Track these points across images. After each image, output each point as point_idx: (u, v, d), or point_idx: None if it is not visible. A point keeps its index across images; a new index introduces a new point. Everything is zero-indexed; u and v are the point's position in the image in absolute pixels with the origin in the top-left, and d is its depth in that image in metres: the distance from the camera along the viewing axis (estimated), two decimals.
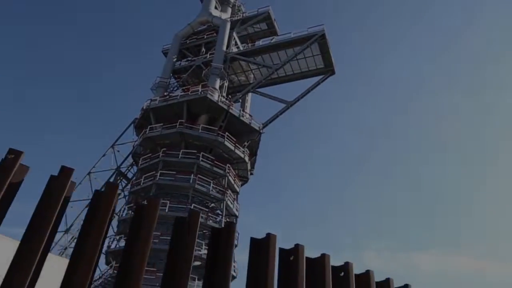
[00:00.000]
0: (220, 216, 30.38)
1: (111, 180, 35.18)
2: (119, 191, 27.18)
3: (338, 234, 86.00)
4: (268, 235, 2.53)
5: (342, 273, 2.72)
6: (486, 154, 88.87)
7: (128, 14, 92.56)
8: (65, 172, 2.30)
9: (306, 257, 2.60)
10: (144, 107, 33.45)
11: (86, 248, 2.15)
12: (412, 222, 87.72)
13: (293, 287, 2.46)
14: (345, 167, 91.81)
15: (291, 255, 2.60)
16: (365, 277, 2.83)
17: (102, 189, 2.47)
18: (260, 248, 2.50)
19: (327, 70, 36.78)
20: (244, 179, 34.99)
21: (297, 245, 2.59)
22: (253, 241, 2.52)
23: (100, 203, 2.29)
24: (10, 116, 78.93)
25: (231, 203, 31.13)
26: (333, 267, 2.72)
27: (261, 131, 33.94)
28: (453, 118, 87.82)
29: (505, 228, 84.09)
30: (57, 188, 2.21)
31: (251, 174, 36.76)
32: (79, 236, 2.22)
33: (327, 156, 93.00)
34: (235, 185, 32.23)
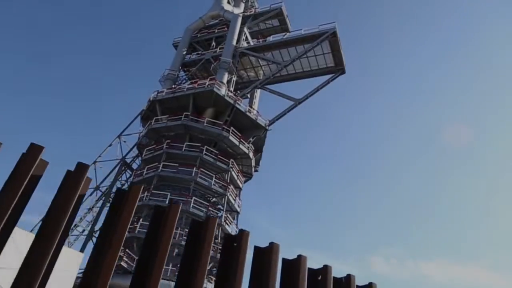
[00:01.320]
0: (222, 211, 30.21)
1: (116, 170, 35.27)
2: (123, 182, 27.12)
3: (345, 237, 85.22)
4: (299, 256, 2.63)
5: None
6: (498, 162, 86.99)
7: (141, 6, 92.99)
8: (35, 150, 2.24)
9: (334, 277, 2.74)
10: (151, 99, 33.42)
11: (50, 224, 2.18)
12: (419, 230, 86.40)
13: None
14: (355, 169, 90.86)
15: (319, 275, 2.70)
16: None
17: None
18: (292, 269, 2.60)
19: (338, 69, 36.26)
20: (248, 175, 34.70)
21: (325, 266, 2.74)
22: (284, 261, 2.63)
23: (68, 182, 2.34)
24: (16, 103, 79.96)
25: (233, 199, 30.87)
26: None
27: (267, 127, 33.62)
28: (466, 125, 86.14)
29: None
30: (26, 167, 2.18)
31: (256, 171, 36.46)
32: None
33: (336, 156, 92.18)
34: (238, 181, 31.96)
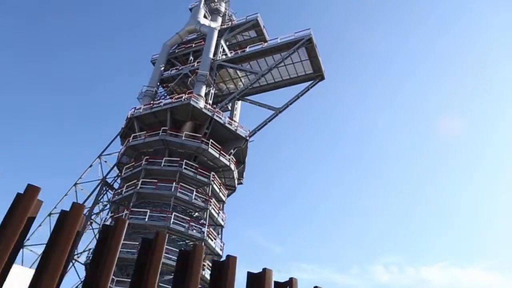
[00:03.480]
0: (205, 226, 29.42)
1: (96, 191, 34.49)
2: (105, 202, 26.39)
3: (345, 249, 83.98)
4: (264, 270, 2.59)
5: None
6: (494, 163, 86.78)
7: (118, 24, 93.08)
8: (32, 191, 2.31)
9: None
10: (129, 116, 32.95)
11: (50, 262, 2.18)
12: (418, 236, 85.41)
13: None
14: (348, 177, 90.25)
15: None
16: None
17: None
18: (257, 282, 2.55)
19: (316, 75, 36.03)
20: (231, 188, 34.03)
21: (291, 279, 2.66)
22: (250, 275, 2.61)
23: (65, 222, 2.35)
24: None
25: (216, 213, 30.13)
26: None
27: (247, 138, 33.12)
28: (460, 124, 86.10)
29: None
30: (24, 208, 2.21)
31: (240, 183, 35.83)
32: (44, 251, 2.27)
33: (328, 163, 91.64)
34: (220, 194, 31.27)
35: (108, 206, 34.67)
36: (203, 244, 27.69)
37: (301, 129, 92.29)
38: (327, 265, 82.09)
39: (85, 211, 34.39)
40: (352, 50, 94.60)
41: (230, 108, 39.24)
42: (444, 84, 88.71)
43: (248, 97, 37.93)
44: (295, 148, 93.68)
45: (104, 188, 35.31)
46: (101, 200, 35.07)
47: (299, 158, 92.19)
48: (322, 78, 35.98)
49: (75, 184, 35.48)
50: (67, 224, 2.31)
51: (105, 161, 36.60)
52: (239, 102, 39.91)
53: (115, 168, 35.22)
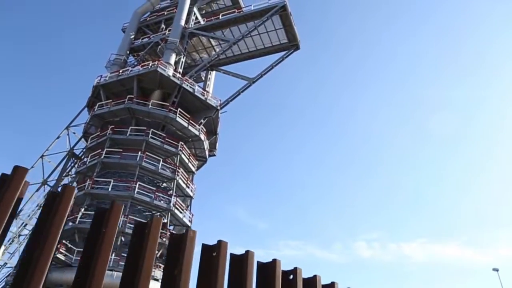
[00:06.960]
0: (173, 197, 28.68)
1: (63, 163, 33.44)
2: (73, 174, 25.26)
3: (326, 225, 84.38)
4: (274, 260, 2.58)
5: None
6: (478, 148, 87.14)
7: None
8: (20, 173, 2.20)
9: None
10: (95, 84, 31.72)
11: (45, 243, 2.05)
12: (399, 213, 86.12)
13: None
14: (332, 155, 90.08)
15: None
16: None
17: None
18: (266, 272, 2.54)
19: (291, 45, 35.00)
20: (202, 159, 33.23)
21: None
22: (260, 264, 2.57)
23: (55, 205, 2.15)
24: None
25: (184, 183, 29.38)
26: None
27: (218, 108, 32.17)
28: (441, 110, 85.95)
29: (487, 218, 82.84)
30: (12, 191, 2.11)
31: (213, 155, 35.08)
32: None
33: (313, 140, 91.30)
34: (189, 164, 30.47)
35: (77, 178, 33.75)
36: (169, 214, 27.03)
37: (287, 105, 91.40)
38: (310, 241, 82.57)
39: (53, 183, 33.46)
40: (341, 25, 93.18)
41: (204, 79, 38.18)
42: (431, 61, 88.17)
43: (222, 67, 36.86)
44: (280, 123, 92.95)
45: (72, 160, 34.28)
46: (70, 173, 34.09)
47: (286, 133, 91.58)
48: (297, 47, 34.97)
49: (42, 156, 34.34)
50: (59, 208, 2.18)
51: (74, 133, 35.45)
52: (213, 73, 38.84)
53: (83, 139, 34.17)
